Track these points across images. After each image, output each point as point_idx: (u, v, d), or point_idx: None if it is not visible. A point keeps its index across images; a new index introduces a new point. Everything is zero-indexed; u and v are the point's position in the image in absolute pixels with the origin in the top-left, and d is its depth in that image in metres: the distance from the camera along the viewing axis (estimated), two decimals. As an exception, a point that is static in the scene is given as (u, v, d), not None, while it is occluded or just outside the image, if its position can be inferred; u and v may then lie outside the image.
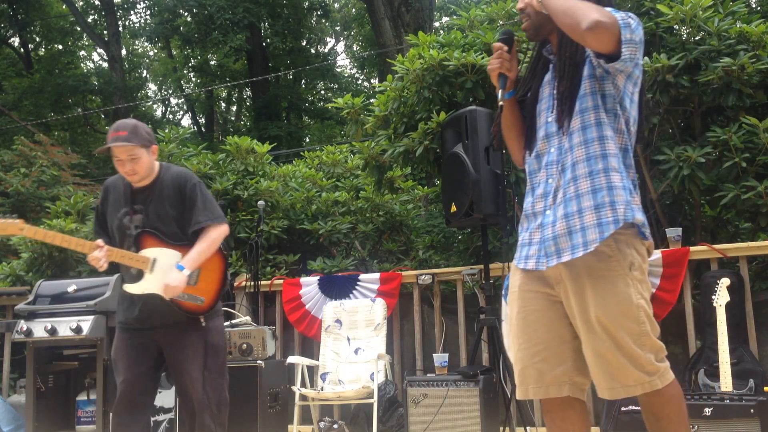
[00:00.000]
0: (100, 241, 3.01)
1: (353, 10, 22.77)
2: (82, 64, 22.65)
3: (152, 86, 25.02)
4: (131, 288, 3.08)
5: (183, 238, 3.13)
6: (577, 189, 2.10)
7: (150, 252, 3.09)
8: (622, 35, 1.98)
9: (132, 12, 20.74)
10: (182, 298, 3.07)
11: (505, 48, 2.27)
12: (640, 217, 2.09)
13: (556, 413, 2.21)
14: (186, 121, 24.70)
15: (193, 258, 3.08)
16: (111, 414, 3.04)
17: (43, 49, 21.89)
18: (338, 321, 4.97)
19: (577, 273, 2.08)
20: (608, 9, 2.03)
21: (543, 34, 2.25)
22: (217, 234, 3.15)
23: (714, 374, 3.66)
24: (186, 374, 3.10)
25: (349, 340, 4.90)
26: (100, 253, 2.97)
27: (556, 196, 2.15)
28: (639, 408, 3.75)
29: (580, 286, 2.08)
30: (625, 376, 2.05)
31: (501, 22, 5.10)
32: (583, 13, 1.98)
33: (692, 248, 4.18)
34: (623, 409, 3.72)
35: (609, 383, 2.08)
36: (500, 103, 2.31)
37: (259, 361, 4.28)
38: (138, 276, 3.10)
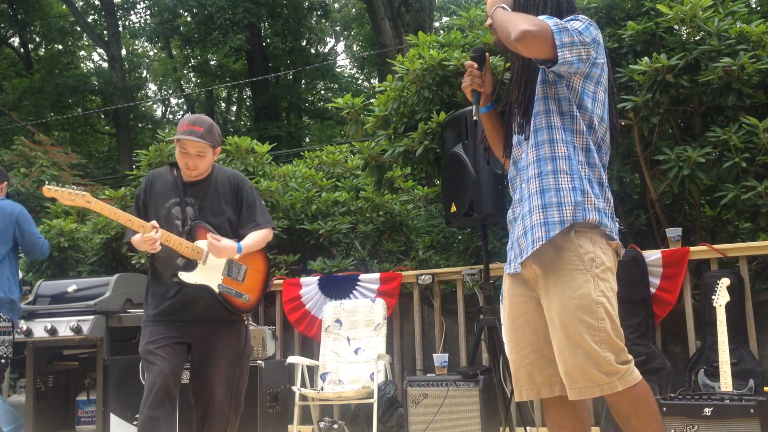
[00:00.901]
0: (155, 223, 2.98)
1: (353, 10, 22.77)
2: (82, 64, 22.65)
3: (152, 86, 25.03)
4: (186, 277, 3.05)
5: (231, 237, 3.15)
6: (529, 190, 2.17)
7: (203, 244, 3.08)
8: (556, 40, 2.04)
9: (132, 12, 20.76)
10: (230, 293, 3.11)
11: (476, 65, 2.34)
12: (593, 217, 2.10)
13: (555, 412, 2.23)
14: (186, 121, 24.62)
15: (249, 244, 3.14)
16: (142, 407, 2.94)
17: (43, 49, 21.89)
18: (338, 321, 4.97)
19: (544, 269, 2.13)
20: (543, 17, 2.09)
21: (506, 47, 2.28)
22: (267, 235, 3.28)
23: (714, 374, 3.66)
24: (215, 372, 3.07)
25: (349, 340, 4.91)
26: (156, 235, 2.94)
27: (520, 193, 2.23)
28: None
29: (546, 283, 2.12)
30: (582, 375, 2.04)
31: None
32: (513, 25, 2.06)
33: (692, 248, 4.18)
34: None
35: (568, 383, 2.08)
36: (474, 118, 2.38)
37: (259, 361, 4.28)
38: (187, 266, 3.09)
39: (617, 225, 2.19)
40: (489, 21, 2.29)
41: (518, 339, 2.24)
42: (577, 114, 2.15)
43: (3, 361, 4.12)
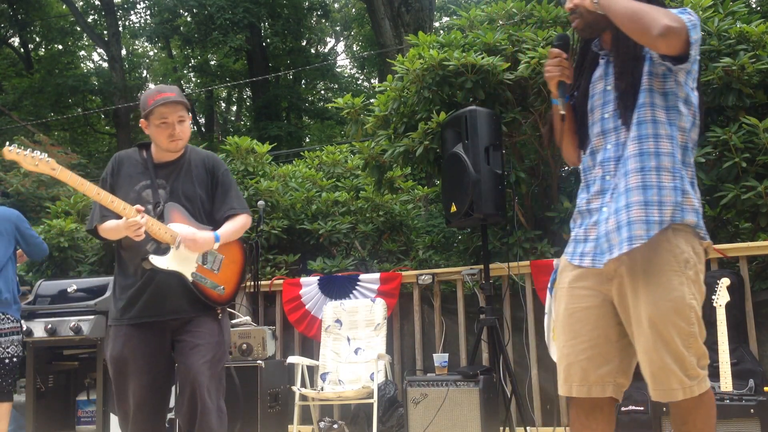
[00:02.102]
0: (140, 206, 2.74)
1: (353, 10, 22.77)
2: (82, 64, 22.65)
3: (152, 86, 25.01)
4: (157, 261, 2.79)
5: (205, 222, 2.95)
6: (627, 183, 2.07)
7: (178, 228, 2.84)
8: (691, 37, 1.97)
9: (132, 12, 20.75)
10: (204, 283, 2.88)
11: (564, 55, 2.22)
12: (691, 218, 2.06)
13: (581, 411, 2.17)
14: (186, 121, 24.64)
15: (228, 232, 2.94)
16: (131, 423, 2.77)
17: (43, 49, 21.89)
18: (338, 321, 4.97)
19: (633, 267, 2.05)
20: (674, 11, 2.00)
21: (597, 32, 2.21)
22: (246, 222, 3.04)
23: (714, 374, 3.66)
24: (196, 365, 2.81)
25: (349, 340, 4.90)
26: (143, 219, 2.70)
27: (614, 192, 2.12)
28: (639, 408, 3.77)
29: (635, 281, 2.05)
30: (668, 378, 2.01)
31: (501, 22, 5.10)
32: (652, 18, 1.94)
33: (692, 248, 4.17)
34: (623, 409, 3.73)
35: (653, 384, 2.05)
36: (562, 112, 2.24)
37: (259, 361, 4.28)
38: (157, 251, 2.83)
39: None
40: (571, 4, 2.14)
41: (576, 332, 2.15)
42: (683, 110, 2.09)
43: (15, 360, 4.21)
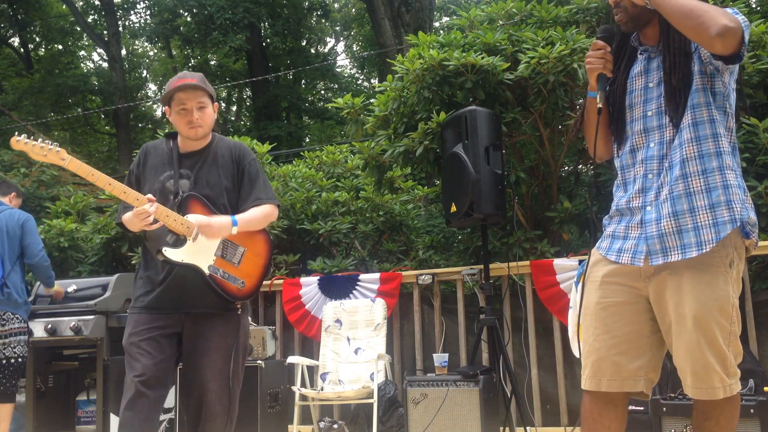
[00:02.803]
0: (151, 196, 2.67)
1: (353, 10, 22.77)
2: (82, 64, 22.64)
3: (152, 86, 25.01)
4: (171, 254, 2.69)
5: (229, 214, 2.81)
6: (688, 187, 2.06)
7: (195, 218, 2.72)
8: (745, 38, 1.97)
9: (132, 12, 20.74)
10: (222, 276, 2.75)
11: (608, 48, 2.20)
12: (753, 216, 2.08)
13: (594, 406, 2.16)
14: (186, 121, 24.64)
15: (247, 218, 2.79)
16: (122, 408, 2.63)
17: (43, 49, 21.89)
18: (338, 321, 4.97)
19: (676, 266, 2.05)
20: (729, 10, 1.99)
21: (641, 26, 2.20)
22: (272, 213, 2.90)
23: (714, 374, 3.66)
24: (207, 366, 2.72)
25: (349, 340, 4.90)
26: (152, 208, 2.61)
27: (659, 192, 2.10)
28: (639, 408, 3.77)
29: (678, 280, 2.04)
30: (711, 376, 2.02)
31: (501, 22, 5.10)
32: (710, 17, 1.93)
33: (692, 248, 4.17)
34: (623, 409, 3.72)
35: (694, 382, 2.05)
36: (599, 105, 2.20)
37: (259, 361, 4.28)
38: (175, 244, 2.73)
39: None
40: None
41: (608, 327, 2.14)
42: (729, 110, 2.10)
43: (21, 360, 4.25)
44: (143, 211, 2.60)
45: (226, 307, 2.79)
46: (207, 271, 2.73)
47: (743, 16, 2.00)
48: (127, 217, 2.73)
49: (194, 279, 2.73)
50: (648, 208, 2.11)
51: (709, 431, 2.08)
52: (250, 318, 4.77)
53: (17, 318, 4.23)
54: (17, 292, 4.28)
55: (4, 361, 4.21)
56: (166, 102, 2.83)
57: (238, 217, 2.78)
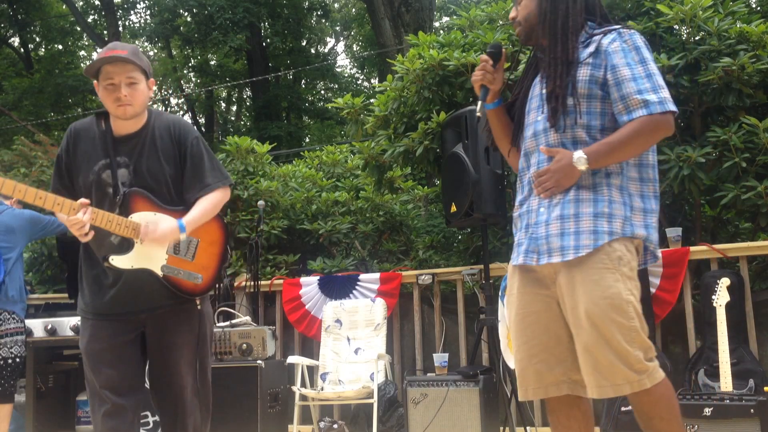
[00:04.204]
0: (84, 200, 2.40)
1: (353, 10, 22.77)
2: (82, 64, 22.64)
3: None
4: (119, 261, 2.46)
5: (177, 203, 2.58)
6: (578, 194, 2.12)
7: (141, 217, 2.49)
8: (669, 110, 2.06)
9: (132, 12, 20.71)
10: (178, 275, 2.55)
11: (490, 62, 2.32)
12: (641, 232, 2.11)
13: (560, 412, 2.22)
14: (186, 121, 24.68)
15: (196, 218, 2.54)
16: (101, 418, 2.48)
17: (43, 49, 21.89)
18: (338, 321, 4.97)
19: (569, 267, 2.10)
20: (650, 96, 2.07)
21: (534, 39, 2.29)
22: (222, 197, 2.64)
23: (714, 374, 3.66)
24: (177, 366, 2.58)
25: (349, 340, 4.90)
26: (85, 216, 2.35)
27: (553, 196, 2.16)
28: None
29: (571, 281, 2.09)
30: (614, 373, 2.04)
31: (501, 22, 5.10)
32: (642, 130, 2.05)
33: (692, 248, 4.18)
34: (623, 409, 3.73)
35: (597, 381, 2.07)
36: (478, 114, 2.35)
37: (259, 361, 4.28)
38: (122, 247, 2.49)
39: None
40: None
41: (527, 337, 2.21)
42: None
43: (19, 360, 4.24)
44: (76, 221, 2.34)
45: (185, 304, 2.62)
46: (160, 273, 2.53)
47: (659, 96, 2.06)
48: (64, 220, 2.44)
49: (147, 280, 2.52)
50: (541, 209, 2.18)
51: (657, 428, 2.09)
52: (249, 318, 4.80)
53: (14, 318, 4.23)
54: (16, 291, 4.28)
55: (5, 362, 4.21)
56: (92, 74, 2.49)
57: (185, 219, 2.52)
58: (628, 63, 2.08)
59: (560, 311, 2.16)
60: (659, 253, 2.23)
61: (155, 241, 2.48)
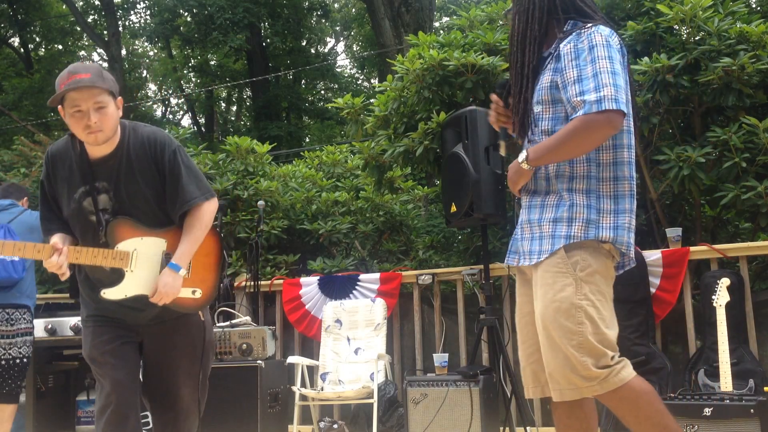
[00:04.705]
0: (56, 241, 2.37)
1: (353, 10, 22.77)
2: (82, 64, 22.63)
3: (152, 86, 25.02)
4: (111, 294, 2.44)
5: (164, 221, 2.52)
6: (544, 200, 2.16)
7: (127, 245, 2.44)
8: (620, 108, 2.00)
9: (132, 12, 20.73)
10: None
11: (501, 103, 2.33)
12: (606, 234, 2.09)
13: (562, 411, 2.23)
14: (186, 121, 24.71)
15: (187, 251, 2.49)
16: (104, 420, 2.46)
17: (43, 49, 21.90)
18: (338, 321, 4.97)
19: (535, 271, 2.15)
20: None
21: None
22: (209, 212, 2.54)
23: (714, 374, 3.66)
24: (177, 373, 2.56)
25: (349, 340, 4.90)
26: (60, 258, 2.32)
27: (533, 198, 2.21)
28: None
29: (535, 284, 2.15)
30: (561, 377, 2.06)
31: (501, 22, 5.10)
32: (576, 132, 2.03)
33: (692, 248, 4.18)
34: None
35: (551, 383, 2.10)
36: (502, 153, 2.36)
37: (259, 361, 4.28)
38: (115, 276, 2.45)
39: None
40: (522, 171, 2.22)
41: (524, 338, 2.27)
42: None
43: (26, 360, 4.23)
44: (51, 264, 2.31)
45: (185, 317, 2.61)
46: (161, 304, 2.49)
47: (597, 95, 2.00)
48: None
49: (143, 302, 2.48)
50: (522, 211, 2.25)
51: (632, 426, 2.09)
52: (249, 318, 4.80)
53: (24, 318, 4.24)
54: (30, 291, 4.29)
55: (14, 361, 4.20)
56: (57, 102, 2.40)
57: (176, 259, 2.47)
58: (577, 65, 2.06)
59: None
60: (632, 253, 2.21)
61: (167, 297, 2.45)
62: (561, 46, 2.11)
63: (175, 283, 2.45)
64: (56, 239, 2.40)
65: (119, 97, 2.47)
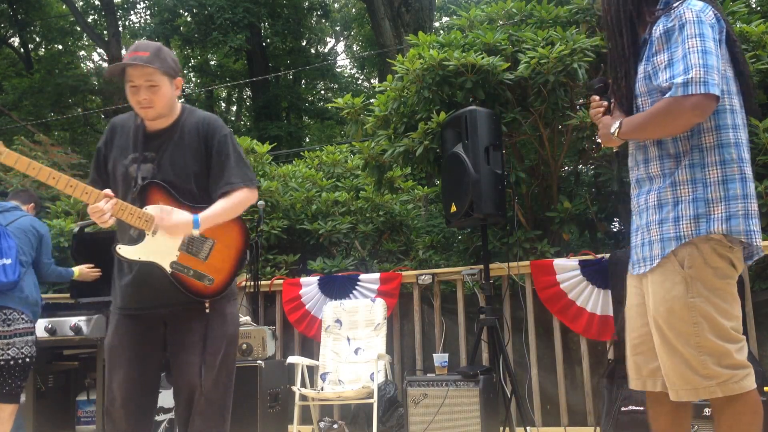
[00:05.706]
0: (109, 191, 2.43)
1: (353, 10, 22.77)
2: (82, 64, 22.65)
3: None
4: (127, 252, 2.47)
5: (200, 200, 2.55)
6: (647, 201, 2.12)
7: (155, 209, 2.47)
8: (713, 85, 1.93)
9: (132, 12, 20.74)
10: (187, 274, 2.51)
11: (603, 102, 2.28)
12: (718, 226, 1.97)
13: (652, 407, 2.20)
14: (186, 121, 24.68)
15: (212, 215, 2.49)
16: (112, 413, 2.51)
17: (43, 49, 21.89)
18: (338, 321, 4.97)
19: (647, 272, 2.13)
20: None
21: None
22: (246, 198, 2.57)
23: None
24: (193, 366, 2.53)
25: (349, 340, 4.90)
26: (107, 205, 2.38)
27: (638, 201, 2.18)
28: (639, 408, 3.77)
29: (647, 280, 2.12)
30: (678, 377, 2.02)
31: (501, 22, 5.10)
32: (668, 109, 1.98)
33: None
34: (623, 409, 3.73)
35: (667, 383, 2.06)
36: (615, 150, 2.34)
37: (259, 361, 4.28)
38: (138, 238, 2.50)
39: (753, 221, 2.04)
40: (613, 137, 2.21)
41: (631, 327, 2.22)
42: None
43: (28, 360, 4.23)
44: (97, 210, 2.37)
45: (197, 304, 2.56)
46: (169, 269, 2.50)
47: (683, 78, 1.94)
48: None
49: (158, 276, 2.50)
50: (635, 216, 2.20)
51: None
52: (249, 318, 4.79)
53: (23, 318, 4.22)
54: (30, 291, 4.28)
55: (13, 362, 4.20)
56: (116, 72, 2.49)
57: (202, 216, 2.47)
58: (668, 47, 1.99)
59: None
60: (758, 241, 2.03)
61: (166, 229, 2.45)
62: (653, 30, 2.05)
63: (180, 225, 2.45)
64: (109, 191, 2.45)
65: (179, 78, 2.58)
